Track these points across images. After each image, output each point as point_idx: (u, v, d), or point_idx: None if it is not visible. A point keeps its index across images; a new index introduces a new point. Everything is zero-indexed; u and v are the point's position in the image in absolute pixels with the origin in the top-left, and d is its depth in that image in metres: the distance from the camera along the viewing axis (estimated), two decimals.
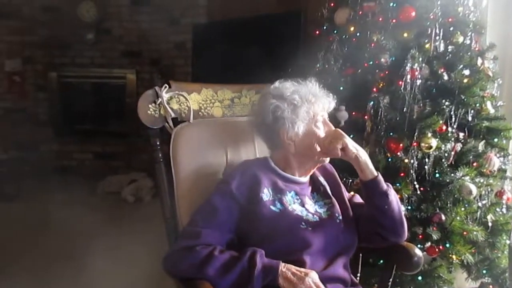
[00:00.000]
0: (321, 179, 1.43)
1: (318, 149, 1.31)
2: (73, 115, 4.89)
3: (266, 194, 1.29)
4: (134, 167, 4.58)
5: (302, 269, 1.16)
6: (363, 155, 1.32)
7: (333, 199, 1.39)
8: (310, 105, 1.32)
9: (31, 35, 4.69)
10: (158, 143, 1.44)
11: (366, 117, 1.89)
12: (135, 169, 4.49)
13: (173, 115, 1.45)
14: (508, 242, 1.82)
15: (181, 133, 1.45)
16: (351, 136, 1.47)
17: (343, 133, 1.31)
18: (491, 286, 1.92)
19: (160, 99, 1.42)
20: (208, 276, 1.12)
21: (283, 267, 1.15)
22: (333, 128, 1.35)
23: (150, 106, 1.42)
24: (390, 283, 1.43)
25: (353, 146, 1.31)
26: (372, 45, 1.90)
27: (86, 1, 4.61)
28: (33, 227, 3.29)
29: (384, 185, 1.32)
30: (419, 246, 1.64)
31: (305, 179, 1.39)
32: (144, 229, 3.02)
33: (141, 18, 4.71)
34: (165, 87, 1.44)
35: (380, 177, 1.32)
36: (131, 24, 4.74)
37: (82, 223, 3.33)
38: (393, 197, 1.32)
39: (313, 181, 1.41)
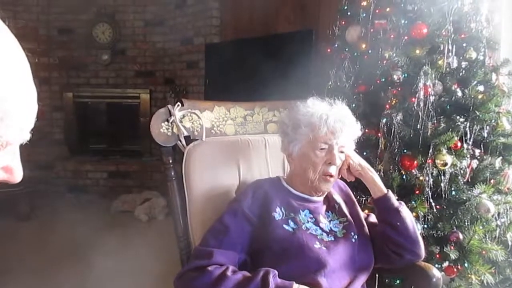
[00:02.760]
0: (336, 197, 1.42)
1: (311, 175, 1.29)
2: (88, 135, 4.96)
3: (279, 213, 1.27)
4: (148, 186, 4.60)
5: None
6: (369, 173, 1.33)
7: (349, 217, 1.37)
8: (312, 128, 1.28)
9: (47, 56, 4.80)
10: (170, 161, 1.45)
11: (379, 134, 1.87)
12: (149, 188, 4.50)
13: (185, 133, 1.45)
14: None
15: (193, 151, 1.45)
16: (364, 153, 1.46)
17: (347, 154, 1.33)
18: None
19: (173, 117, 1.43)
20: None
21: (297, 287, 1.12)
22: (337, 160, 1.30)
23: (163, 124, 1.43)
24: None
25: (358, 165, 1.33)
26: (384, 62, 1.89)
27: (102, 23, 4.73)
28: (46, 246, 3.30)
29: (396, 202, 1.32)
30: (436, 266, 1.60)
31: (319, 198, 1.37)
32: (157, 248, 3.01)
33: (155, 38, 4.80)
34: (178, 105, 1.45)
35: (390, 194, 1.32)
36: (145, 45, 4.83)
37: (95, 241, 3.33)
38: (406, 214, 1.31)
39: (328, 199, 1.40)
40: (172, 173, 1.45)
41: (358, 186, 1.56)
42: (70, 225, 3.69)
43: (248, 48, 3.53)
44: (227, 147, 1.52)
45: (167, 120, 1.44)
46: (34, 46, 4.71)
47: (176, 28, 4.64)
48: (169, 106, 1.45)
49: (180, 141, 1.45)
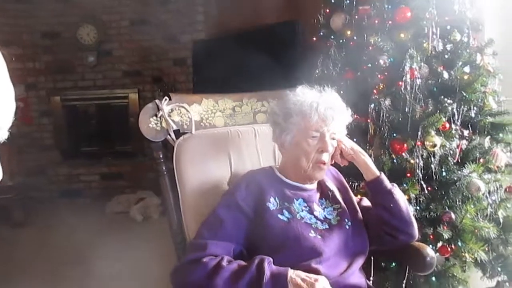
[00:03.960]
0: (329, 184, 1.42)
1: (304, 163, 1.30)
2: (78, 138, 4.93)
3: (273, 203, 1.28)
4: (141, 185, 4.58)
5: (312, 275, 1.14)
6: (361, 156, 1.35)
7: (342, 203, 1.38)
8: (303, 117, 1.29)
9: (32, 61, 4.75)
10: (161, 156, 1.44)
11: (368, 120, 1.88)
12: (142, 188, 4.49)
13: (175, 127, 1.45)
14: None
15: (184, 145, 1.45)
16: (354, 140, 1.47)
17: (339, 139, 1.34)
18: (507, 284, 1.89)
19: (161, 112, 1.43)
20: (217, 287, 1.11)
21: (292, 273, 1.13)
22: (329, 147, 1.30)
23: (151, 119, 1.43)
24: (404, 285, 1.41)
25: (350, 149, 1.35)
26: (370, 47, 1.90)
27: (86, 25, 4.68)
28: (44, 251, 3.28)
29: (388, 184, 1.33)
30: (431, 246, 1.62)
31: (312, 186, 1.38)
32: (154, 246, 3.01)
33: (141, 37, 4.76)
34: (165, 99, 1.45)
35: (383, 177, 1.34)
36: (131, 44, 4.80)
37: (93, 244, 3.32)
38: (399, 195, 1.32)
39: (321, 186, 1.40)
40: (164, 168, 1.45)
41: (350, 172, 1.56)
42: (66, 230, 3.68)
43: (234, 42, 3.51)
44: (217, 139, 1.52)
45: (156, 115, 1.44)
46: (19, 52, 4.66)
47: (162, 26, 4.61)
48: (157, 101, 1.45)
49: (170, 135, 1.45)
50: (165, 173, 1.44)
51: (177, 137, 1.47)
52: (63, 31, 4.73)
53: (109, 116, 4.93)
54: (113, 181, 4.80)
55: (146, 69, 4.83)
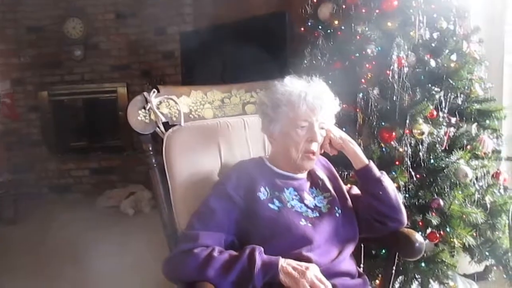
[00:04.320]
0: (319, 173, 1.43)
1: (293, 153, 1.30)
2: (67, 133, 4.88)
3: (263, 193, 1.28)
4: (132, 180, 4.57)
5: (303, 263, 1.15)
6: (350, 145, 1.37)
7: (333, 192, 1.39)
8: (292, 107, 1.29)
9: (18, 56, 4.68)
10: (150, 149, 1.44)
11: (357, 109, 1.89)
12: (133, 182, 4.48)
13: (163, 119, 1.45)
14: (508, 222, 1.82)
15: (173, 137, 1.45)
16: (343, 129, 1.48)
17: (328, 128, 1.35)
18: (495, 268, 1.92)
19: (149, 104, 1.42)
20: (209, 277, 1.12)
21: (283, 262, 1.14)
22: (318, 136, 1.31)
23: (140, 112, 1.42)
24: (393, 271, 1.43)
25: (339, 138, 1.36)
26: (358, 37, 1.90)
27: (72, 18, 4.62)
28: (35, 248, 3.26)
29: (377, 172, 1.35)
30: (420, 233, 1.64)
31: (302, 175, 1.39)
32: (146, 239, 3.01)
33: (128, 30, 4.72)
34: (154, 92, 1.44)
35: (372, 165, 1.35)
36: (119, 38, 4.75)
37: (85, 239, 3.32)
38: (387, 183, 1.34)
39: (311, 175, 1.41)
40: (153, 161, 1.45)
41: (340, 161, 1.57)
42: (58, 225, 3.66)
43: (222, 33, 3.50)
44: (206, 130, 1.51)
45: (144, 108, 1.43)
46: (3, 47, 4.59)
47: (149, 18, 4.57)
48: (145, 93, 1.44)
49: (159, 127, 1.44)
50: (154, 165, 1.44)
51: (166, 130, 1.46)
52: (48, 25, 4.67)
53: (98, 111, 4.88)
54: (104, 176, 4.78)
55: (134, 62, 4.79)
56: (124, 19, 4.70)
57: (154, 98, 1.44)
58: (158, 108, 1.44)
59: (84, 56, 4.72)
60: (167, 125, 1.47)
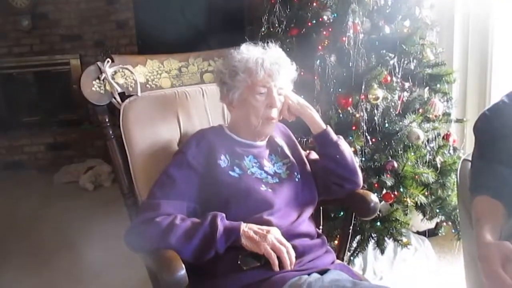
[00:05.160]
0: (278, 140, 1.45)
1: (254, 120, 1.31)
2: (18, 108, 4.66)
3: (224, 161, 1.29)
4: (90, 154, 4.46)
5: (264, 227, 1.17)
6: (308, 110, 1.39)
7: (291, 158, 1.41)
8: (249, 73, 1.29)
9: None
10: (107, 120, 1.41)
11: (315, 76, 1.91)
12: (91, 157, 4.37)
13: (119, 90, 1.41)
14: (456, 180, 1.93)
15: (130, 107, 1.42)
16: (302, 96, 1.50)
17: (286, 94, 1.36)
18: (444, 223, 2.04)
19: (104, 75, 1.38)
20: (171, 244, 1.12)
21: (244, 227, 1.16)
22: (277, 102, 1.31)
23: (94, 82, 1.38)
24: (350, 231, 1.49)
25: (297, 103, 1.38)
26: (314, 3, 1.91)
27: None
28: None
29: (334, 136, 1.38)
30: (376, 194, 1.71)
31: (262, 143, 1.40)
32: (107, 212, 2.98)
33: None
34: (108, 61, 1.40)
35: (329, 129, 1.38)
36: (68, 6, 4.52)
37: (42, 216, 3.24)
38: (344, 147, 1.38)
39: (270, 142, 1.43)
40: (110, 132, 1.41)
41: (298, 127, 1.60)
42: (13, 203, 3.55)
43: (178, 1, 3.41)
44: (164, 100, 1.49)
45: (99, 78, 1.39)
46: None
47: None
48: (99, 63, 1.39)
49: (115, 98, 1.41)
50: (112, 137, 1.41)
51: (122, 100, 1.43)
52: None
53: (50, 84, 4.66)
54: (60, 151, 4.63)
55: (87, 32, 4.58)
56: None
57: (108, 68, 1.39)
58: (113, 78, 1.41)
59: (32, 26, 4.48)
60: (123, 96, 1.44)
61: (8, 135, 4.58)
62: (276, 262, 1.11)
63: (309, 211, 1.37)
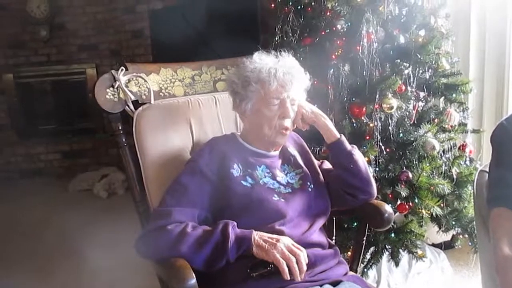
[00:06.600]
0: (291, 149, 1.44)
1: (267, 130, 1.30)
2: (35, 116, 4.75)
3: (236, 170, 1.28)
4: (104, 162, 4.51)
5: (274, 236, 1.16)
6: (322, 119, 1.37)
7: (304, 167, 1.40)
8: (262, 84, 1.28)
9: None
10: (120, 128, 1.41)
11: (328, 85, 1.90)
12: (105, 164, 4.42)
13: (133, 97, 1.42)
14: (473, 192, 1.89)
15: (143, 115, 1.43)
16: (315, 105, 1.49)
17: (300, 103, 1.35)
18: (461, 236, 2.00)
19: (118, 83, 1.39)
20: (182, 253, 1.11)
21: (255, 235, 1.15)
22: (290, 112, 1.30)
23: (108, 90, 1.39)
24: (364, 242, 1.46)
25: (311, 112, 1.36)
26: (328, 12, 1.91)
27: None
28: (10, 234, 3.21)
29: (348, 145, 1.36)
30: (390, 205, 1.68)
31: (275, 152, 1.39)
32: (120, 220, 2.99)
33: (95, 9, 4.58)
34: (122, 69, 1.41)
35: (343, 138, 1.37)
36: (85, 17, 4.60)
37: (56, 223, 3.27)
38: (358, 156, 1.36)
39: (283, 152, 1.42)
40: (123, 140, 1.42)
41: (312, 137, 1.59)
42: (30, 210, 3.60)
43: (193, 10, 3.44)
44: (177, 108, 1.50)
45: (112, 86, 1.40)
46: None
47: None
48: (113, 71, 1.40)
49: (128, 106, 1.42)
50: (125, 144, 1.42)
51: (136, 108, 1.44)
52: (10, 3, 4.48)
53: (67, 93, 4.74)
54: (75, 159, 4.70)
55: (103, 42, 4.66)
56: None
57: (122, 76, 1.41)
58: (127, 86, 1.41)
59: (49, 36, 4.57)
60: (137, 104, 1.45)
61: (25, 143, 4.67)
62: (286, 269, 1.09)
63: (321, 221, 1.35)
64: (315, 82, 1.94)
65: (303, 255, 1.13)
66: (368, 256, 1.92)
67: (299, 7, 2.04)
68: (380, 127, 1.83)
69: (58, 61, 4.65)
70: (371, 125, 1.86)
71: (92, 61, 4.66)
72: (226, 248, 1.11)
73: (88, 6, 4.58)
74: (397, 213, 1.86)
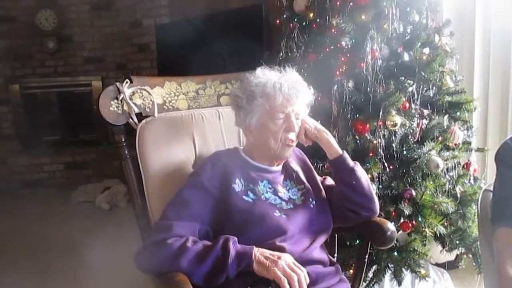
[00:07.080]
0: (293, 165, 1.43)
1: (273, 144, 1.30)
2: (40, 127, 4.77)
3: (238, 185, 1.28)
4: (107, 174, 4.51)
5: (276, 253, 1.15)
6: (324, 135, 1.37)
7: (307, 183, 1.39)
8: (267, 98, 1.28)
9: None
10: (123, 140, 1.41)
11: (332, 101, 1.90)
12: (108, 177, 4.42)
13: (136, 110, 1.42)
14: (477, 211, 1.87)
15: (146, 128, 1.43)
16: (319, 121, 1.49)
17: (303, 119, 1.35)
18: (465, 256, 1.97)
19: (122, 95, 1.40)
20: (182, 268, 1.10)
21: (256, 251, 1.13)
22: (295, 126, 1.30)
23: (112, 102, 1.39)
24: (366, 260, 1.45)
25: (314, 128, 1.36)
26: (332, 29, 1.92)
27: (44, 9, 4.51)
28: (11, 243, 3.20)
29: (351, 162, 1.36)
30: (393, 223, 1.66)
31: (277, 168, 1.39)
32: (121, 233, 2.97)
33: (102, 22, 4.64)
34: (127, 82, 1.42)
35: (346, 155, 1.36)
36: (93, 30, 4.66)
37: (58, 235, 3.26)
38: (361, 173, 1.35)
39: (286, 167, 1.41)
40: (126, 152, 1.42)
41: (315, 153, 1.59)
42: (31, 221, 3.59)
43: (199, 26, 3.48)
44: (180, 122, 1.50)
45: (117, 98, 1.40)
46: None
47: (124, 10, 4.50)
48: (118, 83, 1.41)
49: (132, 118, 1.42)
50: (127, 157, 1.42)
51: (139, 121, 1.44)
52: (19, 15, 4.54)
53: (72, 104, 4.79)
54: (78, 170, 4.71)
55: (109, 55, 4.71)
56: (99, 11, 4.62)
57: (127, 89, 1.41)
58: (131, 99, 1.42)
59: (57, 48, 4.62)
60: (140, 116, 1.45)
61: (29, 154, 4.69)
62: (287, 287, 1.08)
63: (322, 238, 1.34)
64: (319, 98, 1.94)
65: (304, 274, 1.11)
66: (370, 274, 1.89)
67: (304, 24, 2.06)
68: (383, 144, 1.82)
69: (65, 73, 4.70)
70: (374, 142, 1.85)
71: (98, 73, 4.71)
72: (226, 264, 1.10)
73: (96, 19, 4.64)
74: (400, 231, 1.84)
